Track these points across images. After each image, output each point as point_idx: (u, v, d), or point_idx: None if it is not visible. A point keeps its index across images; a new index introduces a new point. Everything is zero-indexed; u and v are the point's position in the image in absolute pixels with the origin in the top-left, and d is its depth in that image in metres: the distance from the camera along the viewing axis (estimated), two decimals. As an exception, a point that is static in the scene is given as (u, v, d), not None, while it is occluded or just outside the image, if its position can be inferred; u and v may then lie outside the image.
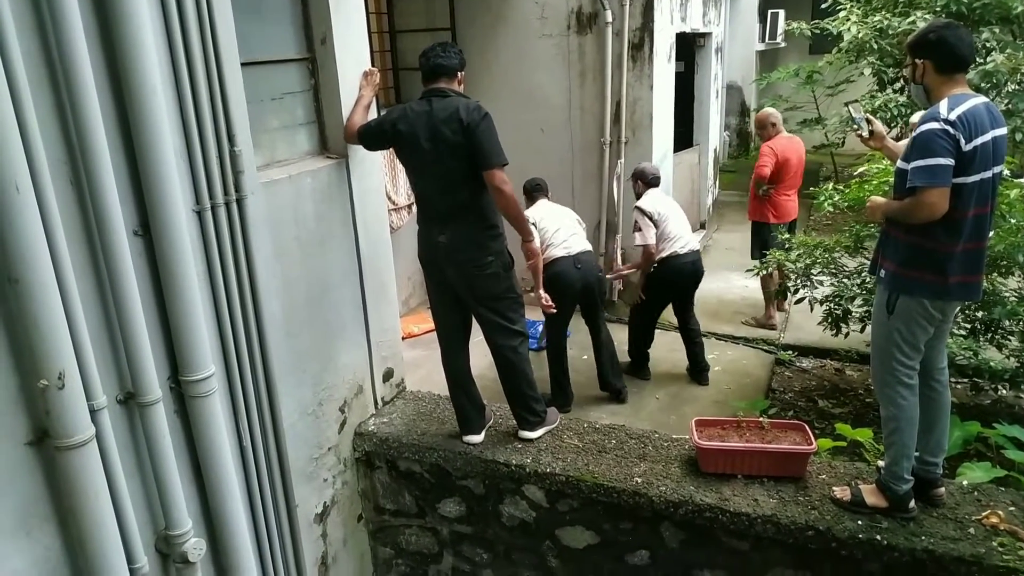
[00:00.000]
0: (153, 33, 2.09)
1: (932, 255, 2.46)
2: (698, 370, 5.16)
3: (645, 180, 5.00)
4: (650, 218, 4.79)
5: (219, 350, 2.52)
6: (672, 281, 4.91)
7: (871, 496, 2.73)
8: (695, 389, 5.05)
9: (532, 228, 4.28)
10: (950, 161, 2.32)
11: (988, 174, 2.40)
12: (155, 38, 2.11)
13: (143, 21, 2.03)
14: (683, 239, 4.84)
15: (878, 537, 2.59)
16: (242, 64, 2.51)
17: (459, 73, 3.07)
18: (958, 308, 2.79)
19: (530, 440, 3.26)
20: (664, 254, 4.82)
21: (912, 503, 2.67)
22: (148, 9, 2.07)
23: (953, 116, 2.32)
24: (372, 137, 3.13)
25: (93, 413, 1.99)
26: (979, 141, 2.34)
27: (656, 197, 4.94)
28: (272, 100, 2.99)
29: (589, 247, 4.72)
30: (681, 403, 4.86)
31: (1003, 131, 2.44)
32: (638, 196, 4.99)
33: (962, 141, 2.32)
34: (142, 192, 2.16)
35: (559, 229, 4.58)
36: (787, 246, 4.96)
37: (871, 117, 2.80)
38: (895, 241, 2.56)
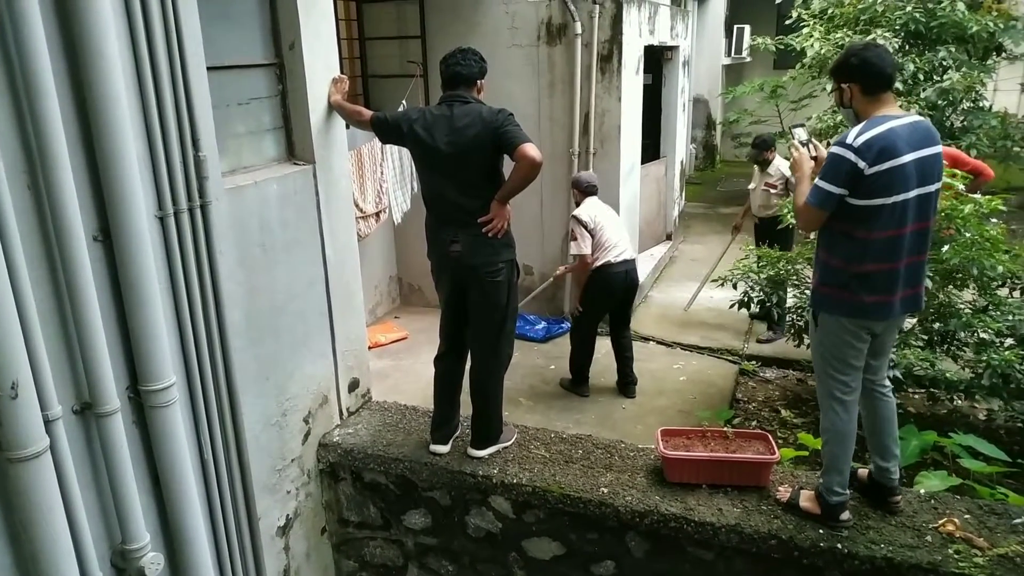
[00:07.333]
0: (116, 35, 2.05)
1: (840, 274, 2.51)
2: (626, 383, 5.16)
3: (581, 188, 4.98)
4: (585, 227, 4.80)
5: (180, 359, 2.47)
6: (605, 290, 4.90)
7: (807, 501, 2.79)
8: (661, 399, 5.09)
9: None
10: (839, 190, 2.40)
11: (907, 196, 2.39)
12: (118, 40, 2.07)
13: (106, 23, 1.99)
14: (617, 248, 4.83)
15: (839, 546, 2.63)
16: (208, 68, 2.48)
17: (479, 81, 3.07)
18: (898, 326, 2.82)
19: (478, 457, 3.24)
20: (598, 263, 4.82)
21: (845, 515, 2.71)
22: (111, 12, 2.03)
23: (859, 142, 2.36)
24: (387, 130, 3.16)
25: (47, 424, 1.93)
26: (889, 164, 2.35)
27: (593, 205, 4.92)
28: (238, 105, 2.95)
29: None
30: (647, 413, 4.89)
31: (932, 151, 2.42)
32: (577, 205, 4.99)
33: (863, 166, 2.34)
34: (103, 197, 2.11)
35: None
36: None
37: (816, 142, 2.78)
38: (817, 258, 2.63)
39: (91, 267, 2.05)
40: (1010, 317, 4.01)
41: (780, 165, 5.86)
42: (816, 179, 2.47)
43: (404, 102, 5.46)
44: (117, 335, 2.23)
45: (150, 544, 2.30)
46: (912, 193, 2.41)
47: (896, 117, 2.42)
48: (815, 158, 2.71)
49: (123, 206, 2.11)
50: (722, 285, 5.20)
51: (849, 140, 2.38)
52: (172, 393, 2.32)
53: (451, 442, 3.34)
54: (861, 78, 2.47)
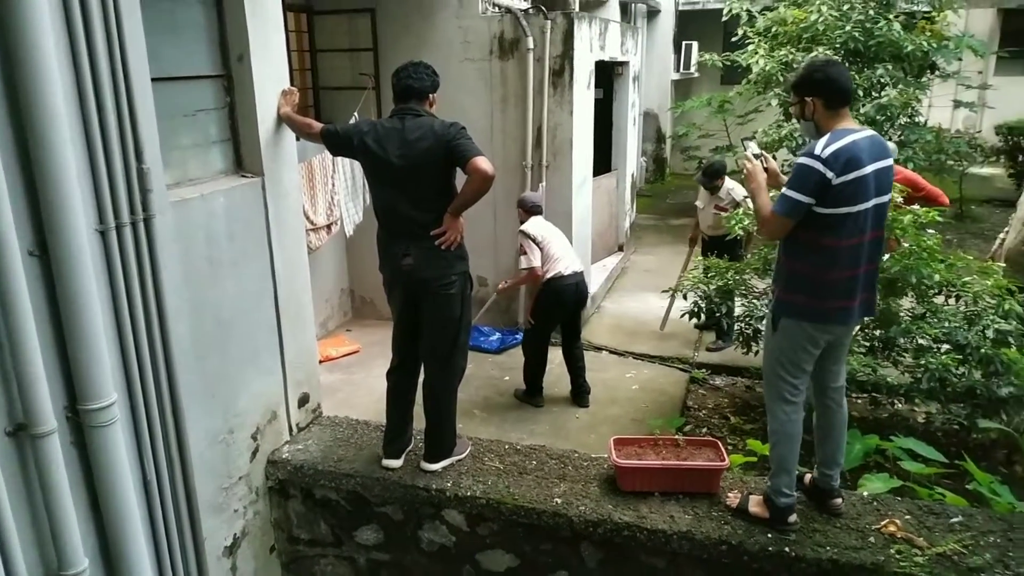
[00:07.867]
0: (56, 45, 1.99)
1: (808, 280, 2.60)
2: (579, 393, 5.22)
3: (526, 208, 5.08)
4: (534, 241, 4.88)
5: (122, 376, 2.39)
6: (557, 302, 4.96)
7: (755, 506, 2.86)
8: (614, 407, 5.14)
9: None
10: (808, 199, 2.47)
11: (867, 205, 2.51)
12: (58, 50, 2.01)
13: (43, 33, 1.93)
14: (565, 260, 4.93)
15: (787, 549, 2.69)
16: (153, 80, 2.42)
17: (431, 95, 3.06)
18: (853, 332, 2.92)
19: (431, 471, 3.23)
20: (548, 275, 4.89)
21: (792, 518, 2.78)
22: (50, 21, 1.97)
23: (826, 153, 2.45)
24: (337, 143, 3.14)
25: (-22, 446, 1.85)
26: (853, 175, 2.45)
27: (538, 223, 5.03)
28: (184, 117, 2.90)
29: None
30: (600, 422, 4.93)
31: (886, 163, 2.56)
32: (522, 223, 5.07)
33: (831, 176, 2.44)
34: (40, 210, 2.04)
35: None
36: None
37: (767, 155, 2.87)
38: (780, 266, 2.71)
39: (27, 283, 1.98)
40: (946, 324, 4.17)
41: (731, 188, 5.97)
42: (784, 189, 2.54)
43: (356, 114, 5.43)
44: (55, 353, 2.15)
45: (88, 570, 2.21)
46: (870, 203, 2.51)
47: (856, 131, 2.52)
48: (767, 169, 2.80)
49: (61, 220, 2.04)
50: (673, 295, 5.28)
51: (817, 151, 2.46)
52: (113, 412, 2.25)
53: (404, 456, 3.31)
54: (825, 93, 2.56)
